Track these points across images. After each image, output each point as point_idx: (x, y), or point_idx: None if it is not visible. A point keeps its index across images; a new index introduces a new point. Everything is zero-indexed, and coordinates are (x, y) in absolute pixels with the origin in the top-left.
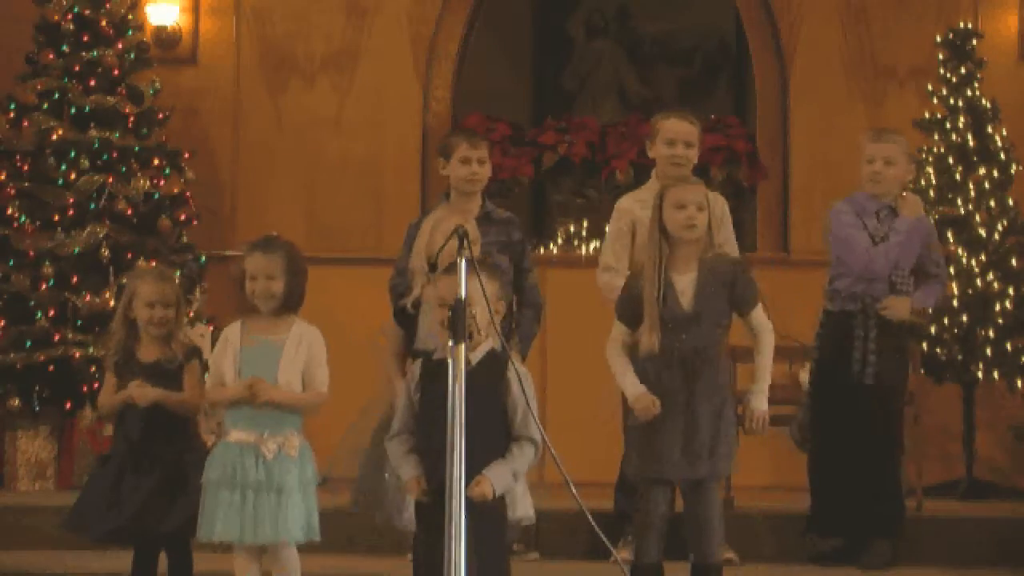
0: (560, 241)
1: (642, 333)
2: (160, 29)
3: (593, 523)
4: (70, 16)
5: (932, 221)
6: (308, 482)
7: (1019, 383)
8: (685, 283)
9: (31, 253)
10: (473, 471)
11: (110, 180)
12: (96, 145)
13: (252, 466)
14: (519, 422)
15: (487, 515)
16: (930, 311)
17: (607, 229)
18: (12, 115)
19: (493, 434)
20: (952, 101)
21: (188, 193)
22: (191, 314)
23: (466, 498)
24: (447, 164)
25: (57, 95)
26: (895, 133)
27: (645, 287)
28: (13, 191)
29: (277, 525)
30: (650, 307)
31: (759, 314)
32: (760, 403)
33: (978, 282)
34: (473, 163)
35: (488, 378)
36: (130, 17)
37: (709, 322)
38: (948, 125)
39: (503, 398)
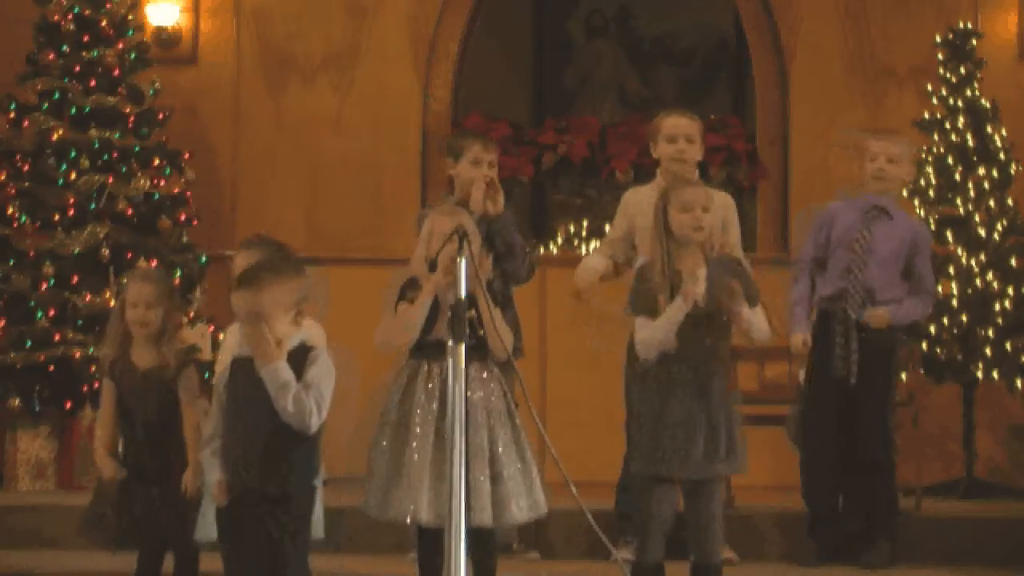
0: (560, 241)
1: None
2: (160, 29)
3: (593, 523)
4: (70, 16)
5: (931, 222)
6: None
7: (1019, 383)
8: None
9: (31, 253)
10: (255, 459)
11: (110, 180)
12: (96, 145)
13: None
14: None
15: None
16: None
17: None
18: (12, 115)
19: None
20: (952, 101)
21: (188, 193)
22: (191, 314)
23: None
24: (455, 164)
25: (57, 95)
26: (900, 134)
27: (655, 286)
28: (13, 191)
29: None
30: (663, 307)
31: (759, 313)
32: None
33: (978, 282)
34: (484, 166)
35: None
36: (130, 17)
37: (719, 318)
38: (948, 125)
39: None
